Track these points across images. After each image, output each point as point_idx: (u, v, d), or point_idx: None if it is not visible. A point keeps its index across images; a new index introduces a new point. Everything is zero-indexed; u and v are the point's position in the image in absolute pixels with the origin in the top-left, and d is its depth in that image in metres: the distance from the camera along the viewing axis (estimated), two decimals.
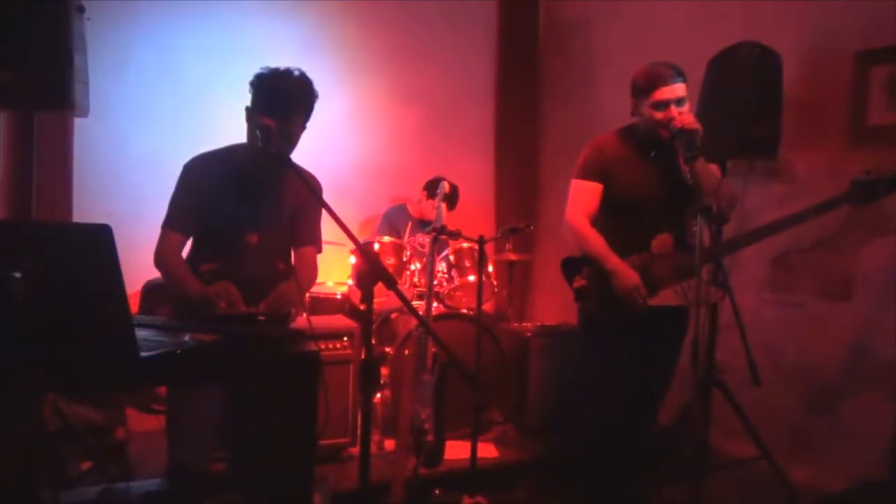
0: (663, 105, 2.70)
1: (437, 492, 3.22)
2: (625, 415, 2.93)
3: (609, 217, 2.88)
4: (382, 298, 4.10)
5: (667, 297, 2.79)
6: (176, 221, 2.57)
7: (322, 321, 3.61)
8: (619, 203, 2.85)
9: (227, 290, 2.36)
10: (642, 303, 2.73)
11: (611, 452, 2.95)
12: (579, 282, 2.89)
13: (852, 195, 2.67)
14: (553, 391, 4.03)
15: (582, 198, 2.86)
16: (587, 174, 2.86)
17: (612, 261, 2.77)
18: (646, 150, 2.84)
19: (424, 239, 4.45)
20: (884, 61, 3.19)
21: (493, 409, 4.15)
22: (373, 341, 2.01)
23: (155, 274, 2.59)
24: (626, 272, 2.75)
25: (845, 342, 3.33)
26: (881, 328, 3.18)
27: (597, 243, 2.81)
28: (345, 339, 3.55)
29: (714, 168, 2.87)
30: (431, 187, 4.51)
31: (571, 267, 2.94)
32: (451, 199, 4.46)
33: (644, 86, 2.74)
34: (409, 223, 4.66)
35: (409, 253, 4.21)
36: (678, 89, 2.71)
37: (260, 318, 2.37)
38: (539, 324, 4.40)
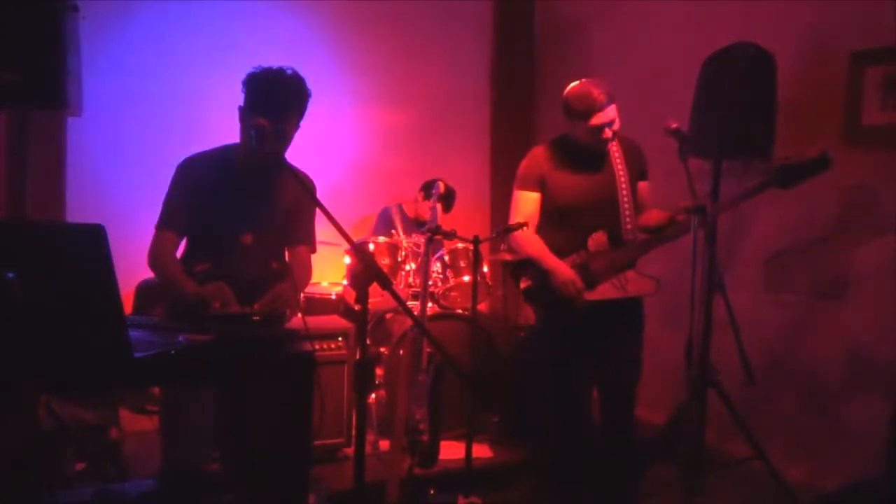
0: (598, 130, 2.86)
1: (431, 492, 3.22)
2: (585, 410, 3.05)
3: (548, 221, 3.02)
4: (377, 298, 4.10)
5: (605, 291, 2.94)
6: (170, 222, 2.56)
7: (317, 321, 3.60)
8: (555, 208, 2.99)
9: (221, 291, 2.36)
10: (576, 294, 2.87)
11: (579, 448, 3.05)
12: (525, 283, 3.04)
13: (777, 179, 2.81)
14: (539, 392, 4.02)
15: (521, 208, 3.03)
16: (525, 185, 3.03)
17: (549, 260, 2.92)
18: (578, 158, 2.98)
19: (419, 239, 4.44)
20: (878, 62, 3.20)
21: (487, 409, 4.15)
22: (368, 341, 2.01)
23: (149, 274, 2.58)
24: (561, 268, 2.90)
25: (840, 341, 3.33)
26: (876, 327, 3.18)
27: (534, 246, 2.97)
28: (339, 339, 3.54)
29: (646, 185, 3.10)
30: (428, 188, 4.51)
31: (518, 270, 3.09)
32: (447, 200, 4.45)
33: (580, 111, 2.86)
34: (401, 222, 4.65)
35: (404, 253, 4.21)
36: (611, 112, 2.85)
37: (254, 318, 2.37)
38: (533, 324, 4.39)
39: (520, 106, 5.49)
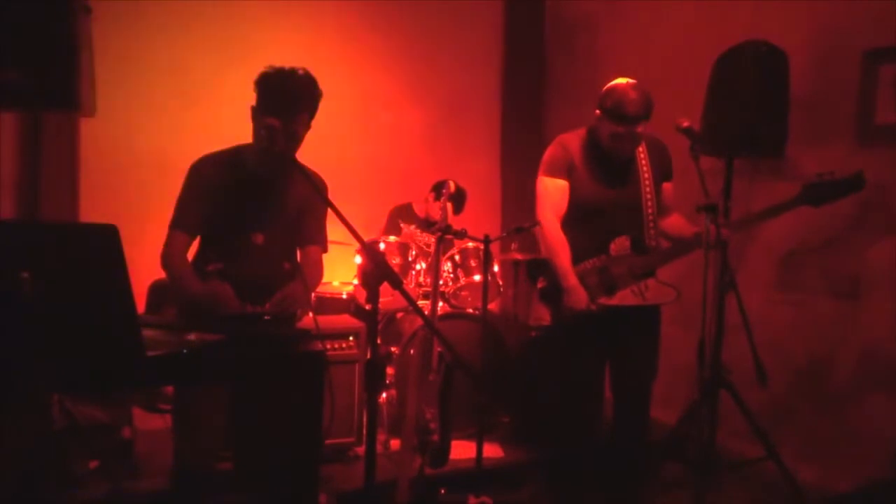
0: (619, 137, 2.79)
1: (442, 492, 3.22)
2: (597, 410, 3.04)
3: (570, 216, 2.94)
4: (388, 298, 4.10)
5: (624, 297, 2.89)
6: (182, 222, 2.57)
7: (328, 321, 3.61)
8: (577, 203, 2.92)
9: (224, 291, 2.36)
10: (582, 320, 2.83)
11: (591, 448, 3.04)
12: (542, 282, 2.99)
13: (807, 198, 2.77)
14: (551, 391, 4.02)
15: (551, 196, 2.92)
16: (553, 171, 2.92)
17: (570, 281, 2.86)
18: (604, 156, 2.90)
19: (430, 238, 4.45)
20: (892, 60, 3.17)
21: (498, 408, 4.14)
22: (378, 341, 2.01)
23: (161, 274, 2.59)
24: (577, 294, 2.84)
25: (853, 342, 3.31)
26: (890, 327, 3.16)
27: (560, 257, 2.88)
28: (350, 338, 3.55)
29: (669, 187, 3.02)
30: (439, 188, 4.51)
31: (535, 269, 3.07)
32: (458, 200, 4.45)
33: (610, 112, 2.77)
34: (410, 221, 4.66)
35: (414, 252, 4.21)
36: (637, 129, 2.77)
37: (266, 317, 2.37)
38: (544, 323, 4.38)
39: (530, 105, 5.48)
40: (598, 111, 2.84)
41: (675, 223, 3.02)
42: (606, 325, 2.90)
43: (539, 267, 3.03)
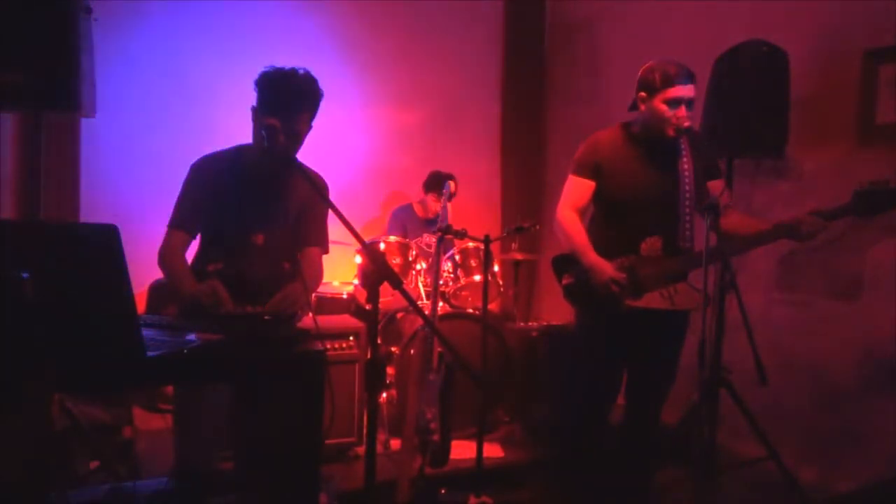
0: (677, 102, 2.69)
1: (442, 491, 3.22)
2: (607, 413, 3.00)
3: (601, 214, 2.90)
4: (388, 298, 4.11)
5: (652, 300, 2.81)
6: (181, 221, 2.58)
7: (328, 321, 3.61)
8: (609, 200, 2.86)
9: (213, 290, 2.37)
10: (618, 294, 2.73)
11: (596, 449, 3.01)
12: (567, 279, 2.92)
13: (855, 207, 2.64)
14: (559, 391, 4.02)
15: (572, 194, 2.89)
16: (579, 170, 2.88)
17: (590, 256, 2.79)
18: (641, 149, 2.83)
19: (430, 238, 4.45)
20: (892, 60, 3.17)
21: (498, 408, 4.15)
22: (378, 341, 2.01)
23: (161, 274, 2.59)
24: (601, 265, 2.76)
25: (854, 342, 3.31)
26: (891, 327, 3.16)
27: (577, 238, 2.82)
28: (350, 338, 3.55)
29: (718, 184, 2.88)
30: (430, 183, 4.55)
31: (560, 265, 2.97)
32: (436, 182, 4.50)
33: (661, 82, 2.69)
34: (411, 224, 4.67)
35: (414, 252, 4.21)
36: (692, 89, 2.71)
37: (266, 317, 2.37)
38: (545, 323, 4.39)
39: (530, 105, 5.49)
40: (642, 93, 2.74)
41: (738, 221, 2.85)
42: (630, 328, 2.82)
43: (564, 263, 2.94)
